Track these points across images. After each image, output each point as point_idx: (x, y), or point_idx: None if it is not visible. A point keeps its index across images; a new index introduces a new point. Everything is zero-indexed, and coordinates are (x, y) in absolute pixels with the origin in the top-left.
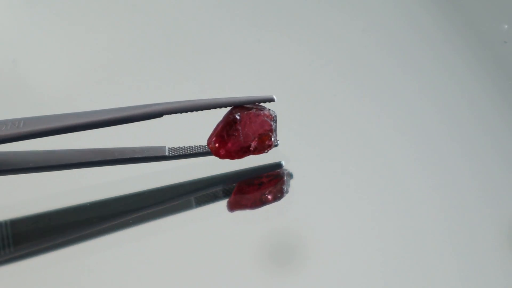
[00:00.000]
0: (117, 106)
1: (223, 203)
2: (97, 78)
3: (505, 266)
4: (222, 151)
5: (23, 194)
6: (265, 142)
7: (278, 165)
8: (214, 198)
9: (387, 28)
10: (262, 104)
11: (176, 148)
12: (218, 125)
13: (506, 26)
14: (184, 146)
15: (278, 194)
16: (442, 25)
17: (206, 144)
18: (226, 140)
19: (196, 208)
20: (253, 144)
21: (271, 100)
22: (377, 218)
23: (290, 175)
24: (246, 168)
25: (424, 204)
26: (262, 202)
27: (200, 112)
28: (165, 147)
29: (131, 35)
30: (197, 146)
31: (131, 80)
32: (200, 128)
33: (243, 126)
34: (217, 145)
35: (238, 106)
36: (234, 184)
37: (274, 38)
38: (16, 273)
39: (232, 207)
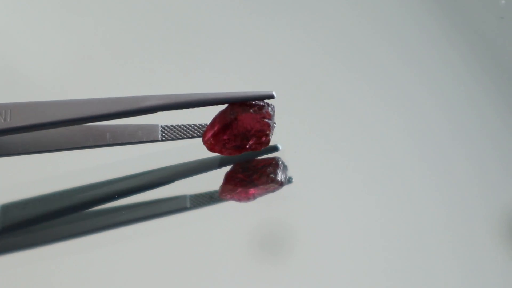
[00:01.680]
0: (107, 96)
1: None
2: (89, 66)
3: (503, 261)
4: (217, 149)
5: (6, 179)
6: (261, 139)
7: (275, 148)
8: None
9: (388, 22)
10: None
11: (170, 126)
12: (214, 120)
13: (503, 1)
14: (178, 125)
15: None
16: (443, 19)
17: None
18: (222, 139)
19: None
20: (250, 142)
21: (270, 97)
22: (376, 212)
23: (286, 167)
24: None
25: (423, 199)
26: (253, 183)
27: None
28: (157, 125)
29: (127, 24)
30: (191, 125)
31: (125, 70)
32: (196, 119)
33: (241, 126)
34: (213, 142)
35: (236, 103)
36: (228, 167)
37: (274, 30)
38: None
39: (223, 195)
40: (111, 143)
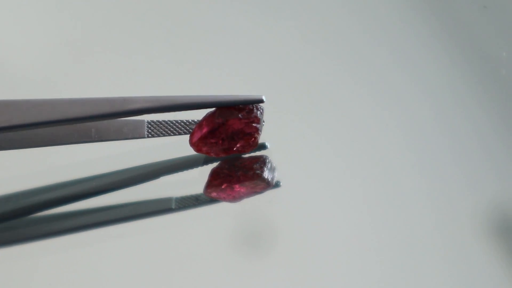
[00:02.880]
0: (95, 95)
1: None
2: (78, 63)
3: (490, 259)
4: (204, 150)
5: None
6: (249, 141)
7: (263, 146)
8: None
9: (378, 22)
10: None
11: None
12: (202, 122)
13: None
14: (164, 120)
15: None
16: (431, 16)
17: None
18: (210, 143)
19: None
20: (238, 145)
21: (260, 101)
22: (365, 213)
23: (274, 168)
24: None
25: (413, 202)
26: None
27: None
28: (144, 120)
29: (117, 23)
30: (178, 121)
31: (114, 69)
32: (184, 115)
33: (229, 130)
34: (200, 145)
35: (224, 107)
36: (214, 164)
37: (265, 32)
38: None
39: (208, 191)
40: (96, 139)
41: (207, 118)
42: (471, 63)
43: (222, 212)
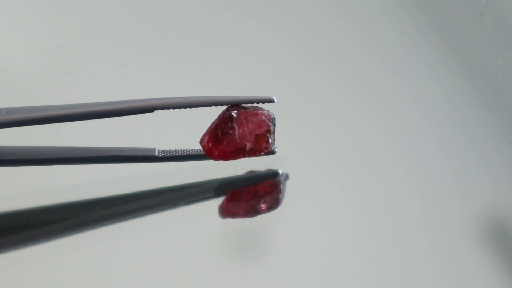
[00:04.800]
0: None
1: (213, 208)
2: (88, 70)
3: (482, 264)
4: (215, 151)
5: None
6: (261, 144)
7: (275, 174)
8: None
9: (378, 31)
10: (260, 105)
11: (167, 150)
12: (212, 124)
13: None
14: (175, 149)
15: (274, 204)
16: (433, 31)
17: (199, 148)
18: (220, 138)
19: (184, 210)
20: (249, 144)
21: (270, 101)
22: (374, 226)
23: (287, 177)
24: (241, 176)
25: (409, 207)
26: (256, 211)
27: (194, 111)
28: (155, 149)
29: (127, 26)
30: (189, 149)
31: (125, 73)
32: (194, 129)
33: (239, 124)
34: (210, 144)
35: (235, 105)
36: (227, 190)
37: (275, 36)
38: None
39: (224, 214)
40: (105, 155)
41: (218, 118)
42: (467, 70)
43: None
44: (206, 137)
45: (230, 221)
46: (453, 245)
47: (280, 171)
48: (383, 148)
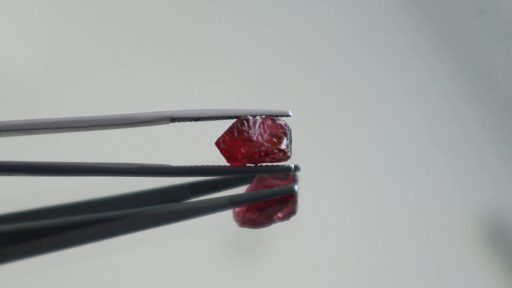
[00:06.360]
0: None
1: (229, 216)
2: (88, 71)
3: (480, 265)
4: (231, 150)
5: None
6: (276, 145)
7: (291, 190)
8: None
9: (378, 31)
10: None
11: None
12: (228, 128)
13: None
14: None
15: (290, 213)
16: (433, 28)
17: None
18: (236, 137)
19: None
20: (266, 144)
21: (286, 115)
22: (374, 226)
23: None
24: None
25: (407, 208)
26: (272, 221)
27: (205, 124)
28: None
29: (138, 32)
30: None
31: (134, 83)
32: (206, 142)
33: (256, 125)
34: (225, 144)
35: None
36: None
37: (288, 48)
38: None
39: (242, 223)
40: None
41: (234, 122)
42: (468, 68)
43: (225, 218)
44: (221, 138)
45: (239, 229)
46: (452, 245)
47: (296, 188)
48: (383, 149)
